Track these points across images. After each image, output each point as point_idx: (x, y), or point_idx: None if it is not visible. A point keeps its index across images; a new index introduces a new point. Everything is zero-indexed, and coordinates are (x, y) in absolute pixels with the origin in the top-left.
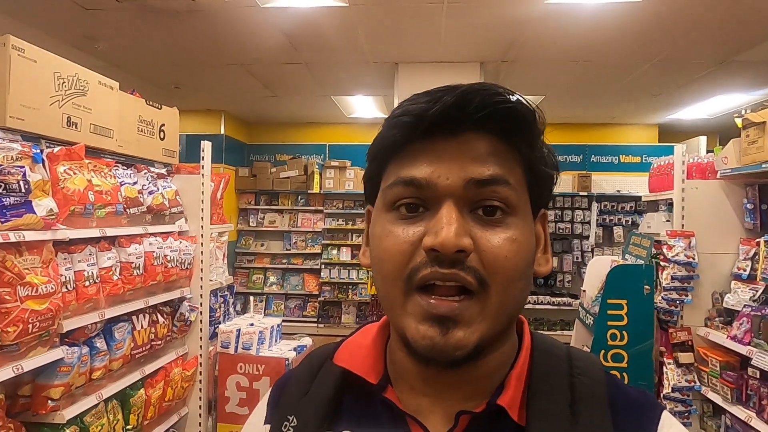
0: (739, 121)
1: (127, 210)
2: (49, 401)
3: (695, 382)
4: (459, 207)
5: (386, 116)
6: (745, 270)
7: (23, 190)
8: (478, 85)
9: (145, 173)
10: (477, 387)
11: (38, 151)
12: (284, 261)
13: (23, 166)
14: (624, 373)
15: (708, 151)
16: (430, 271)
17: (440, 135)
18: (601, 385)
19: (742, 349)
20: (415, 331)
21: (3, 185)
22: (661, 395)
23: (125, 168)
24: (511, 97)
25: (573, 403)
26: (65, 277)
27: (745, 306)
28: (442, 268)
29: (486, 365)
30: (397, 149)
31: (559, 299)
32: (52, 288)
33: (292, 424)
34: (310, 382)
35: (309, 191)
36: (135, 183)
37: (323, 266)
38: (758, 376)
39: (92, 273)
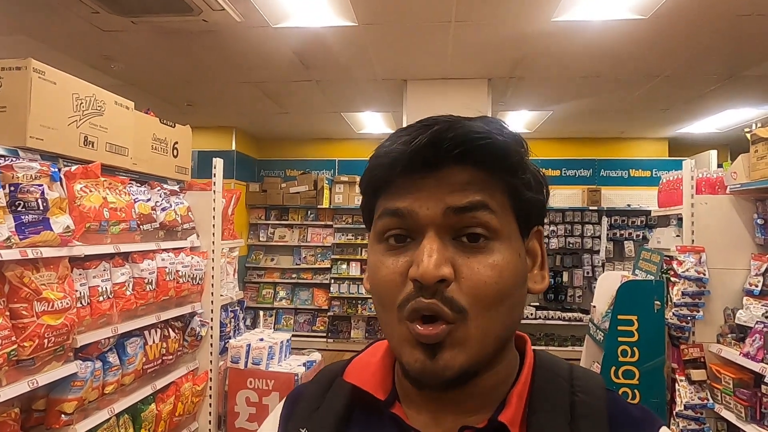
0: (749, 136)
1: (141, 226)
2: (63, 415)
3: (708, 400)
4: (441, 236)
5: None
6: (756, 286)
7: (41, 208)
8: (451, 121)
9: (158, 190)
10: (478, 403)
11: (56, 169)
12: (294, 276)
13: (42, 185)
14: (636, 390)
15: (718, 166)
16: (416, 302)
17: (420, 171)
18: (601, 403)
19: (756, 366)
20: (409, 354)
21: (22, 203)
22: (674, 413)
23: (139, 185)
24: (491, 130)
25: (573, 421)
26: (80, 293)
27: (757, 322)
28: (425, 297)
29: (484, 383)
30: (383, 185)
31: (569, 314)
32: (67, 303)
33: None
34: (322, 397)
35: (319, 206)
36: (148, 200)
37: (333, 281)
38: None
39: (106, 288)
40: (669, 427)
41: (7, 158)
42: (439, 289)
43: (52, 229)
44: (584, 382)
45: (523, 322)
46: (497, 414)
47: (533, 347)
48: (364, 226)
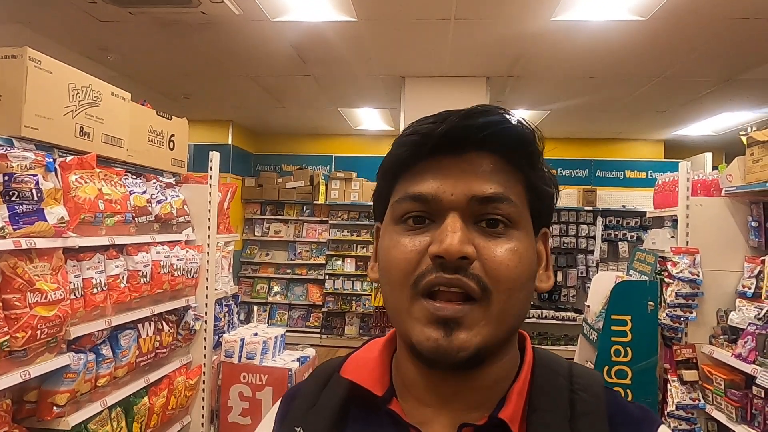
0: (744, 139)
1: (136, 219)
2: (55, 407)
3: (699, 400)
4: (463, 218)
5: (392, 128)
6: (750, 288)
7: (36, 198)
8: (482, 106)
9: (154, 182)
10: (479, 398)
11: (51, 160)
12: (288, 271)
13: (36, 175)
14: (628, 390)
15: (713, 168)
16: (435, 277)
17: (446, 153)
18: (600, 401)
19: (747, 368)
20: (421, 333)
21: (16, 193)
22: (665, 413)
23: (135, 177)
24: (512, 118)
25: (572, 419)
26: (74, 284)
27: (749, 324)
28: (447, 273)
29: (488, 375)
30: (406, 167)
31: (563, 314)
32: (60, 295)
33: None
34: (318, 394)
35: (314, 202)
36: (144, 192)
37: (327, 277)
38: (763, 395)
39: (100, 280)
40: None
41: (1, 147)
42: (462, 266)
43: (46, 220)
44: (584, 381)
45: None
46: (497, 411)
47: (533, 346)
48: (359, 222)
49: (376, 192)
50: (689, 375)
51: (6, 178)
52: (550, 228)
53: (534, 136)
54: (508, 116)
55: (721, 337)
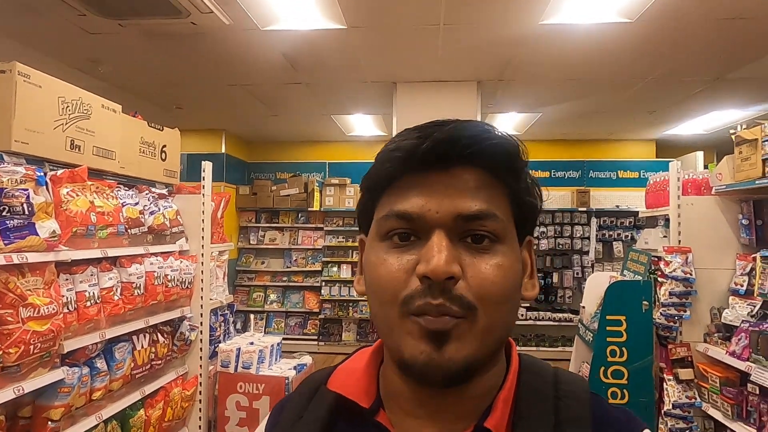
0: (733, 138)
1: (129, 230)
2: (50, 422)
3: (696, 399)
4: (449, 236)
5: (385, 134)
6: (742, 285)
7: (27, 213)
8: (466, 122)
9: (146, 193)
10: (466, 409)
11: (42, 174)
12: (284, 279)
13: (27, 189)
14: (625, 390)
15: (705, 166)
16: (424, 303)
17: (431, 169)
18: (585, 407)
19: (741, 365)
20: (414, 347)
21: (7, 208)
22: (662, 412)
23: (127, 189)
24: (496, 132)
25: (557, 425)
26: (67, 298)
27: (743, 321)
28: (434, 299)
29: (476, 387)
30: (390, 182)
31: (560, 315)
32: (53, 309)
33: None
34: (305, 406)
35: (309, 209)
36: (136, 203)
37: (324, 284)
38: (758, 392)
39: (93, 293)
40: (657, 427)
41: None
42: (447, 287)
43: (37, 234)
44: (568, 387)
45: None
46: (483, 420)
47: (522, 349)
48: (355, 228)
49: (360, 205)
50: (685, 374)
51: None
52: (546, 229)
53: (518, 149)
54: (492, 130)
55: (716, 335)
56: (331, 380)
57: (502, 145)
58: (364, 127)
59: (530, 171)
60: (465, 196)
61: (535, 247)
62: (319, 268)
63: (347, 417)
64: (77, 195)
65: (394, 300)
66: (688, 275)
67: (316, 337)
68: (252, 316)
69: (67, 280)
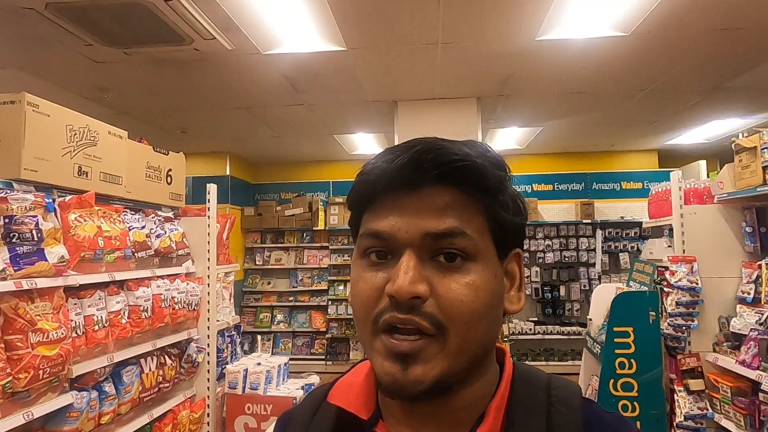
0: (733, 146)
1: (136, 254)
2: None
3: (708, 410)
4: (419, 255)
5: None
6: (749, 293)
7: (36, 239)
8: (433, 143)
9: (152, 217)
10: (457, 418)
11: (50, 200)
12: (291, 298)
13: (36, 216)
14: (635, 403)
15: (707, 175)
16: (390, 316)
17: (402, 190)
18: (576, 413)
19: (752, 374)
20: (380, 367)
21: (17, 234)
22: (674, 424)
23: (133, 213)
24: (469, 151)
25: (548, 431)
26: (75, 323)
27: (751, 330)
28: (400, 313)
29: (462, 399)
30: (367, 202)
31: (568, 328)
32: (62, 333)
33: None
34: (310, 419)
35: (314, 228)
36: (143, 227)
37: (330, 302)
38: None
39: (101, 317)
40: None
41: (1, 190)
42: (415, 305)
43: (46, 260)
44: (561, 393)
45: (522, 337)
46: (476, 427)
47: (531, 364)
48: None
49: (349, 221)
50: (695, 384)
51: (6, 220)
52: (551, 242)
53: (490, 168)
54: (462, 149)
55: (725, 344)
56: (331, 394)
57: (470, 167)
58: (366, 146)
59: (520, 193)
60: (434, 216)
61: (540, 260)
62: (326, 287)
63: (349, 429)
64: (85, 220)
65: (366, 317)
66: (694, 284)
67: (323, 357)
68: (259, 337)
69: (75, 304)
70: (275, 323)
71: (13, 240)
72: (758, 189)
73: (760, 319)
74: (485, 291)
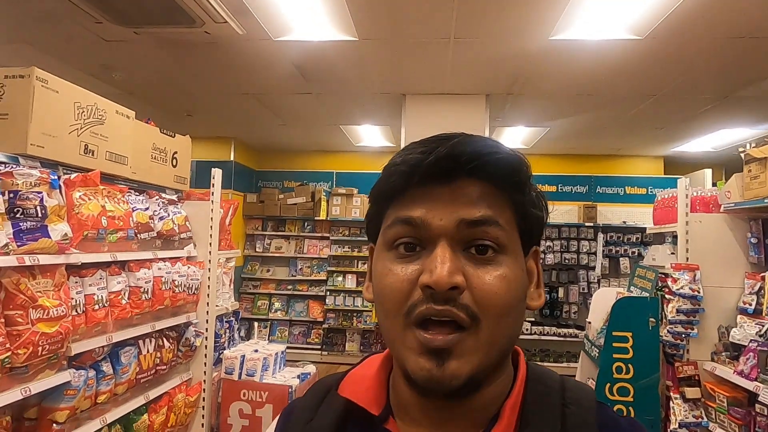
0: (743, 156)
1: (138, 235)
2: (54, 425)
3: (702, 418)
4: (452, 246)
5: (393, 145)
6: (750, 304)
7: (40, 215)
8: (470, 137)
9: (156, 199)
10: (474, 418)
11: (56, 177)
12: (289, 287)
13: (41, 192)
14: (630, 408)
15: (713, 184)
16: (426, 308)
17: (435, 182)
18: (591, 415)
19: (749, 385)
20: (414, 363)
21: (21, 210)
22: (668, 431)
23: (137, 194)
24: (499, 147)
25: None
26: (76, 301)
27: (751, 341)
28: (437, 304)
29: (482, 398)
30: (396, 194)
31: (565, 330)
32: (62, 311)
33: None
34: (315, 410)
35: (316, 218)
36: (146, 209)
37: (328, 293)
38: (766, 413)
39: (102, 297)
40: None
41: (7, 165)
42: (451, 297)
43: (50, 237)
44: (575, 395)
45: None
46: (491, 427)
47: (527, 361)
48: (360, 238)
49: (368, 215)
50: (692, 392)
51: (11, 195)
52: (552, 244)
53: (521, 163)
54: (495, 145)
55: (723, 353)
56: (342, 386)
57: (505, 160)
58: (372, 138)
59: (536, 184)
60: (468, 205)
61: (541, 260)
62: (324, 278)
63: (357, 423)
64: (89, 199)
65: (398, 311)
66: (696, 293)
67: (319, 347)
68: (256, 324)
69: (76, 282)
70: (273, 311)
71: (17, 215)
72: (766, 200)
73: (760, 330)
74: (516, 284)
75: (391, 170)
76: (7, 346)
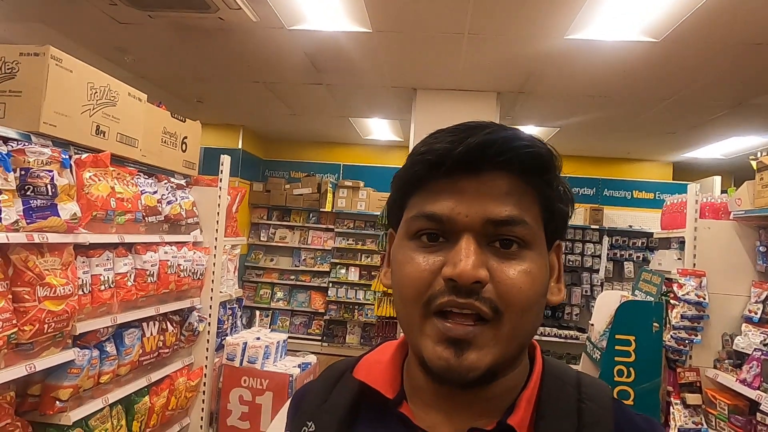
0: (754, 163)
1: (146, 218)
2: (57, 402)
3: (702, 425)
4: (477, 239)
5: (401, 139)
6: (756, 313)
7: (50, 194)
8: (499, 127)
9: (165, 183)
10: (488, 406)
11: (67, 156)
12: (292, 277)
13: (52, 171)
14: None
15: (722, 192)
16: (447, 300)
17: (462, 173)
18: (607, 412)
19: (752, 394)
20: (432, 351)
21: (32, 188)
22: None
23: (147, 177)
24: (531, 141)
25: (579, 429)
26: (82, 280)
27: (755, 350)
28: (459, 297)
29: (497, 388)
30: (421, 184)
31: (566, 332)
32: (69, 290)
33: (311, 430)
34: (329, 392)
35: (321, 209)
36: (155, 192)
37: (331, 285)
38: (767, 422)
39: (108, 278)
40: None
41: (19, 142)
42: (475, 290)
43: (59, 215)
44: (592, 390)
45: None
46: (506, 417)
47: (543, 355)
48: (365, 231)
49: (390, 201)
50: (692, 398)
51: (23, 172)
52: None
53: (553, 157)
54: (524, 137)
55: (726, 361)
56: (357, 369)
57: (535, 152)
58: (380, 132)
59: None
60: (495, 201)
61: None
62: (327, 269)
63: (370, 406)
64: (99, 180)
65: (417, 299)
66: (702, 299)
67: (319, 338)
68: (258, 312)
69: (83, 262)
70: (275, 300)
71: (28, 192)
72: None
73: (765, 339)
74: (539, 279)
75: (417, 159)
76: (14, 322)
